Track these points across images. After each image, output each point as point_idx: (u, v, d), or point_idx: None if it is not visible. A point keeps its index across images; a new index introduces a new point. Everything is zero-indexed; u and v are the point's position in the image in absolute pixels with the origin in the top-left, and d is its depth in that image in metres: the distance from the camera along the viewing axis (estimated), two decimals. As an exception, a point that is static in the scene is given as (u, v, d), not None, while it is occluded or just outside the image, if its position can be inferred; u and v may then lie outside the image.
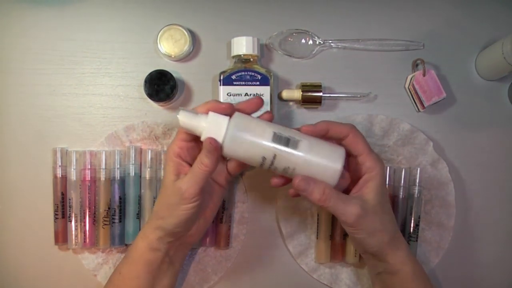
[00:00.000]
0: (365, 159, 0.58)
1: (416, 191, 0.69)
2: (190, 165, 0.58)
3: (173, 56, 0.70)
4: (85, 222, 0.68)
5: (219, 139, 0.56)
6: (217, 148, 0.56)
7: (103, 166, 0.68)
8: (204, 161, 0.56)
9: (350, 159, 0.60)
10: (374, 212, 0.57)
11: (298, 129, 0.58)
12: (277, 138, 0.56)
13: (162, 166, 0.69)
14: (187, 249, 0.65)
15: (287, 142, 0.56)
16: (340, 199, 0.56)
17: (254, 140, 0.56)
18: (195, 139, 0.59)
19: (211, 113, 0.56)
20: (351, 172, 0.60)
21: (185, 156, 0.59)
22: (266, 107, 0.67)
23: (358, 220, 0.56)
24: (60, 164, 0.68)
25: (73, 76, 0.71)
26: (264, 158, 0.56)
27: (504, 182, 0.72)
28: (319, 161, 0.56)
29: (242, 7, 0.72)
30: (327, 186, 0.56)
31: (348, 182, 0.59)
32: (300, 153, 0.55)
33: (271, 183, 0.60)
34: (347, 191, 0.59)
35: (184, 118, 0.56)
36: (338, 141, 0.59)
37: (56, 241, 0.68)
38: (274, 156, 0.56)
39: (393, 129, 0.71)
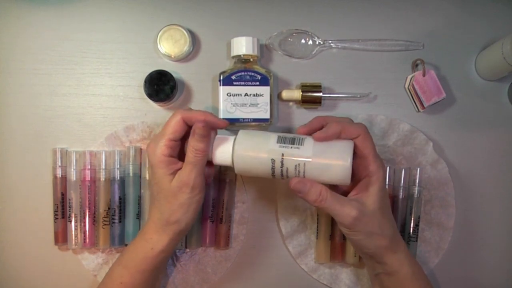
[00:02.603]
0: (369, 163, 0.57)
1: (416, 191, 0.69)
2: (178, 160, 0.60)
3: (173, 56, 0.70)
4: (85, 222, 0.68)
5: (229, 158, 0.58)
6: (209, 132, 0.57)
7: (103, 166, 0.68)
8: (198, 146, 0.57)
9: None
10: (373, 216, 0.57)
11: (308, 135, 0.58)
12: (282, 139, 0.57)
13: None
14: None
15: (292, 141, 0.57)
16: (337, 201, 0.56)
17: (261, 146, 0.57)
18: (183, 137, 0.60)
19: (217, 136, 0.59)
20: (353, 170, 0.60)
21: (173, 153, 0.60)
22: (266, 108, 0.67)
23: (355, 222, 0.56)
24: (60, 164, 0.68)
25: (73, 76, 0.71)
26: (273, 161, 0.56)
27: (504, 182, 0.72)
28: (328, 155, 0.56)
29: (242, 7, 0.72)
30: (324, 188, 0.56)
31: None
32: (307, 149, 0.56)
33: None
34: (345, 192, 0.60)
35: None
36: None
37: (56, 241, 0.68)
38: (282, 155, 0.56)
39: (393, 129, 0.71)
